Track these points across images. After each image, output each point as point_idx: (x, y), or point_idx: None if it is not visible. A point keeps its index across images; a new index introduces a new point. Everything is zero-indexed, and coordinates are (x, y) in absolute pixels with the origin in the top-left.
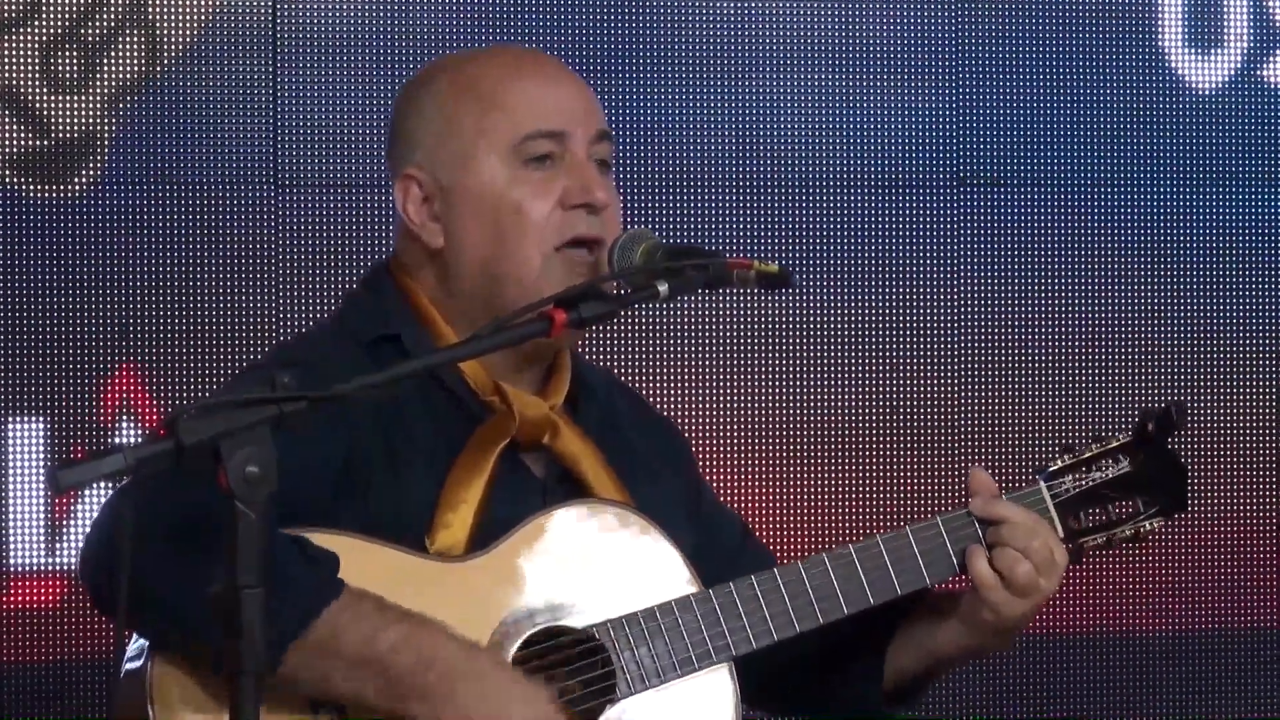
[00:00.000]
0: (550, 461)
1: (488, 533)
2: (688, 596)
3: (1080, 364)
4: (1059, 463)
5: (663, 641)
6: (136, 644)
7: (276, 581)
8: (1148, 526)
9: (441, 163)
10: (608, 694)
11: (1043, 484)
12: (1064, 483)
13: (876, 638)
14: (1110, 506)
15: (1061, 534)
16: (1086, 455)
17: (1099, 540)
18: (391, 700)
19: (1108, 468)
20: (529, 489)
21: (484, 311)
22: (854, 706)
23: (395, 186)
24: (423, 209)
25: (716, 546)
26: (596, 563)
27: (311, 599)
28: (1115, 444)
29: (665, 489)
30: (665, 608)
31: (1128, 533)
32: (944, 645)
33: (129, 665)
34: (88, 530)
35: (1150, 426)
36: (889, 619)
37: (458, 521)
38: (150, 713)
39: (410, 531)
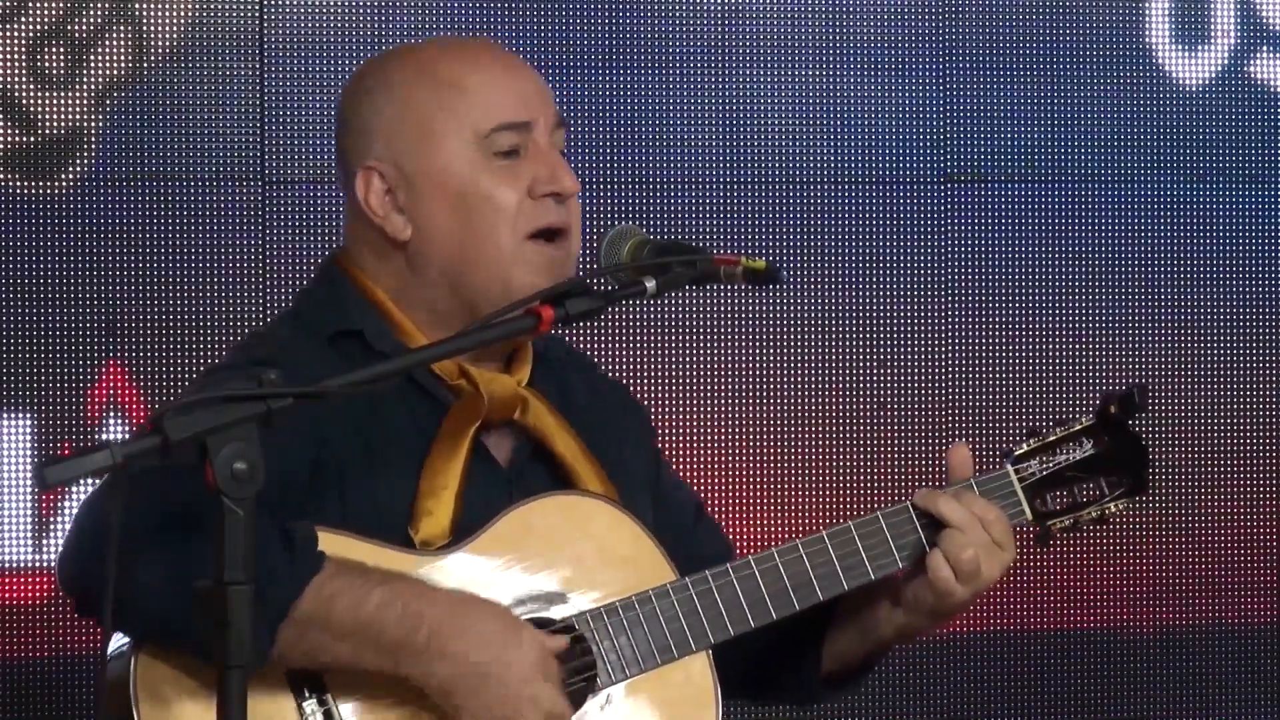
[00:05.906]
0: (519, 441)
1: (466, 520)
2: (665, 586)
3: (1068, 360)
4: (1025, 446)
5: (642, 630)
6: (120, 638)
7: (259, 561)
8: (1113, 508)
9: (403, 151)
10: (589, 683)
11: (1010, 467)
12: (1030, 466)
13: (815, 625)
14: (1076, 489)
15: (1030, 516)
16: (1051, 439)
17: (1066, 522)
18: (385, 663)
19: (1072, 450)
20: (494, 476)
21: (449, 298)
22: (794, 692)
23: (355, 180)
24: (386, 200)
25: (669, 522)
26: (575, 554)
27: (297, 574)
28: (1079, 427)
29: (627, 462)
30: (643, 597)
31: (1094, 514)
32: (883, 628)
33: (113, 658)
34: (68, 530)
35: (1112, 409)
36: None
37: (440, 509)
38: (135, 707)
39: (390, 525)
